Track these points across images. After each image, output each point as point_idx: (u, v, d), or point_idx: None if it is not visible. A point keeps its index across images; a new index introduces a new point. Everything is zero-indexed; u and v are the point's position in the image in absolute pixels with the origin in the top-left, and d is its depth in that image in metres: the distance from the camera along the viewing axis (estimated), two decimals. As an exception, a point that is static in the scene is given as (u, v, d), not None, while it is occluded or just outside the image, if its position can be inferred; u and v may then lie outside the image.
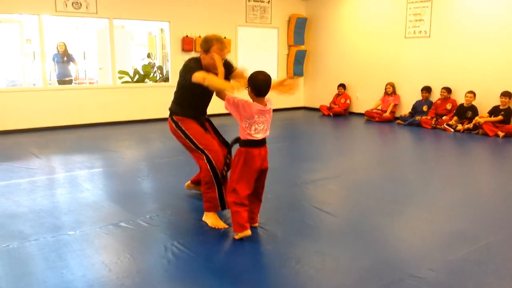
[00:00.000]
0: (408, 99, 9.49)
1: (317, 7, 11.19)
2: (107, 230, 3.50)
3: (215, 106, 4.17)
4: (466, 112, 8.25)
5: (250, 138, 3.25)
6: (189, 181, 4.36)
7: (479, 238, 3.36)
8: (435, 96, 9.02)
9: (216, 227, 3.53)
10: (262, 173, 3.36)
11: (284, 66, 11.36)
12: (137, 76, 10.61)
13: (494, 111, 7.90)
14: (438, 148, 7.29)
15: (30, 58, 11.28)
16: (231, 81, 3.63)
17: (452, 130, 8.20)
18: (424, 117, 8.78)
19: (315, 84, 11.48)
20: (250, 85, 3.24)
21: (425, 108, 9.01)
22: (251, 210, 3.42)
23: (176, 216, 3.84)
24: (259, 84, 3.23)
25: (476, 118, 7.96)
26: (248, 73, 3.37)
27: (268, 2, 10.77)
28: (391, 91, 9.67)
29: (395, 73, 9.73)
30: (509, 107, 7.79)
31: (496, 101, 7.94)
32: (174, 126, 3.80)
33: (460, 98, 8.50)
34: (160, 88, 9.79)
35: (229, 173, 3.43)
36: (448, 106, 8.61)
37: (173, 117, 3.82)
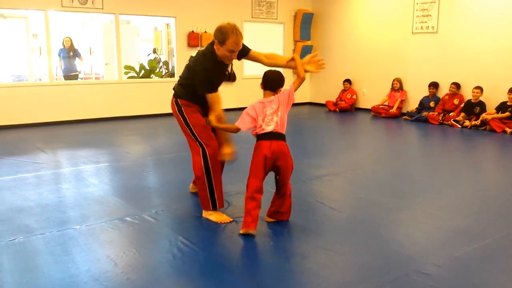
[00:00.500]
0: (415, 95, 9.44)
1: (324, 2, 11.14)
2: (113, 224, 3.51)
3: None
4: (473, 108, 8.20)
5: (260, 131, 3.29)
6: (192, 183, 4.31)
7: (486, 234, 3.33)
8: (442, 92, 8.96)
9: (221, 222, 3.52)
10: (278, 169, 3.35)
11: (290, 62, 11.30)
12: (142, 72, 10.61)
13: (502, 107, 7.84)
14: (445, 144, 7.25)
15: (36, 53, 11.31)
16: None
17: (459, 126, 8.15)
18: (431, 113, 8.73)
19: (321, 79, 11.44)
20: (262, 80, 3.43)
21: (432, 104, 8.95)
22: (278, 205, 3.48)
23: (181, 211, 3.84)
24: (265, 78, 3.40)
25: (483, 114, 7.91)
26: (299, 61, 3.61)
27: (274, -3, 10.73)
28: (398, 87, 9.62)
29: (402, 68, 9.68)
30: (517, 103, 7.73)
31: (504, 97, 7.88)
32: (176, 109, 3.70)
33: (467, 94, 8.44)
34: (166, 84, 9.76)
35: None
36: (456, 102, 8.55)
37: (178, 100, 3.69)
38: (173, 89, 3.78)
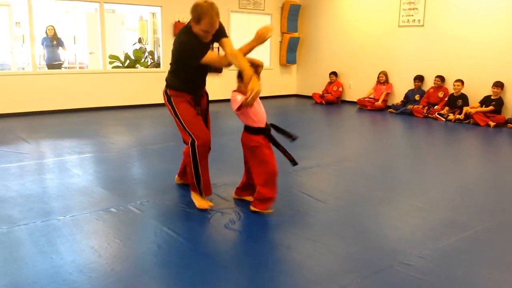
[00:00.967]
0: (400, 88, 9.50)
1: (311, -6, 11.12)
2: (97, 215, 3.48)
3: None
4: (456, 101, 8.28)
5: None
6: (177, 175, 4.29)
7: (469, 226, 3.38)
8: (428, 85, 9.03)
9: (200, 208, 3.57)
10: None
11: (277, 54, 11.30)
12: (128, 61, 10.51)
13: (486, 101, 7.93)
14: (429, 137, 7.32)
15: (20, 41, 11.13)
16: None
17: (444, 119, 8.23)
18: (416, 106, 8.80)
19: (307, 71, 11.45)
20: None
21: (417, 97, 9.03)
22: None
23: (167, 202, 3.82)
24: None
25: (467, 108, 7.99)
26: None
27: (262, -12, 10.68)
28: (383, 80, 9.67)
29: (388, 61, 9.72)
30: (500, 97, 7.82)
31: (488, 90, 7.97)
32: (166, 99, 3.68)
33: (452, 87, 8.52)
34: (151, 74, 9.71)
35: None
36: (440, 95, 8.63)
37: (168, 90, 3.66)
38: (165, 79, 3.72)
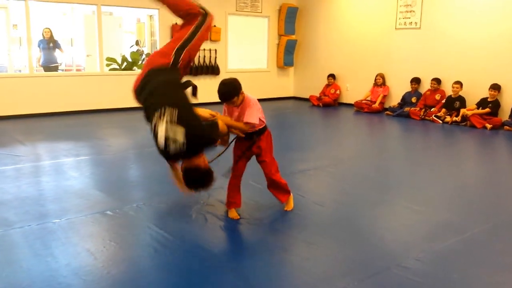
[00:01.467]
0: (397, 90, 9.51)
1: (308, -3, 11.13)
2: (93, 218, 3.46)
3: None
4: (453, 103, 8.29)
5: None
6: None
7: (466, 228, 3.38)
8: (424, 87, 9.04)
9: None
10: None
11: (274, 56, 11.30)
12: (125, 64, 10.49)
13: (482, 103, 7.94)
14: (426, 139, 7.32)
15: (17, 44, 11.10)
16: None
17: (441, 121, 8.24)
18: (413, 108, 8.80)
19: (305, 74, 11.45)
20: None
21: (414, 99, 9.03)
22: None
23: (163, 205, 3.81)
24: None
25: (464, 110, 8.00)
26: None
27: (259, -10, 10.69)
28: (380, 82, 9.68)
29: (385, 64, 9.73)
30: (497, 100, 7.83)
31: (484, 92, 7.98)
32: None
33: (449, 89, 8.52)
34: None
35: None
36: (437, 97, 8.64)
37: None
38: None
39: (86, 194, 4.06)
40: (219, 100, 3.33)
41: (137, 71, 10.34)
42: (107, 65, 9.83)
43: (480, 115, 7.82)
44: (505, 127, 7.61)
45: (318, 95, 10.71)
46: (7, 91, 7.96)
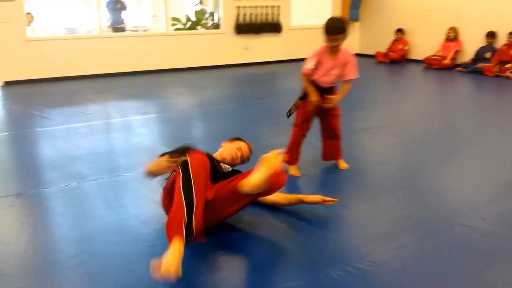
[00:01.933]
0: (470, 45, 8.97)
1: None
2: (160, 172, 3.61)
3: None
4: (533, 58, 7.74)
5: None
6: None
7: (538, 189, 3.22)
8: (500, 42, 8.46)
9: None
10: None
11: (339, 10, 10.94)
12: (189, 23, 10.59)
13: None
14: (499, 97, 6.93)
15: (87, 5, 11.47)
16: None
17: (517, 78, 7.74)
18: (486, 65, 8.30)
19: (371, 29, 11.04)
20: None
21: (488, 54, 8.50)
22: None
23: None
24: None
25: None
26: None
27: None
28: (453, 36, 9.15)
29: (458, 17, 9.16)
30: None
31: None
32: None
33: (528, 43, 7.95)
34: (211, 35, 9.75)
35: None
36: (514, 52, 8.09)
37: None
38: None
39: (154, 149, 4.22)
40: (327, 33, 3.23)
41: (201, 30, 10.44)
42: (172, 24, 9.98)
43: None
44: None
45: (384, 51, 10.34)
46: (78, 52, 8.31)
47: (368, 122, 5.06)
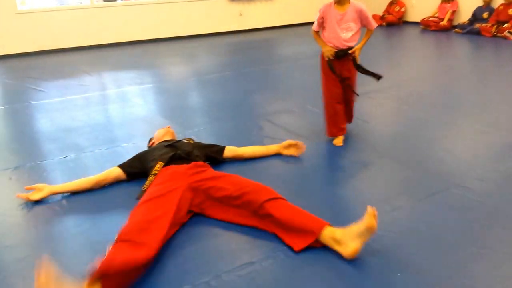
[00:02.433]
0: (467, 6, 8.85)
1: None
2: (157, 142, 3.61)
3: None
4: (531, 17, 7.65)
5: None
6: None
7: (534, 149, 3.23)
8: (498, 2, 8.35)
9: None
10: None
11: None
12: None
13: None
14: (496, 57, 6.87)
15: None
16: None
17: (514, 37, 7.67)
18: (484, 25, 8.21)
19: (367, -8, 10.86)
20: None
21: (485, 15, 8.40)
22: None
23: (222, 129, 3.90)
24: None
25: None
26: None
27: None
28: (449, -3, 9.04)
29: (455, -23, 9.02)
30: None
31: None
32: None
33: (526, 2, 7.83)
34: (204, 3, 9.58)
35: None
36: (511, 12, 7.98)
37: None
38: None
39: (150, 119, 4.23)
40: None
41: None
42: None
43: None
44: None
45: (381, 14, 10.20)
46: (70, 24, 8.20)
47: (365, 87, 5.01)
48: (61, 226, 2.44)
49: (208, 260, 2.08)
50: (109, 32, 8.53)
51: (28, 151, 3.54)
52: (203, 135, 3.72)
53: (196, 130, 3.86)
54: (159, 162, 2.62)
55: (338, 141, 3.44)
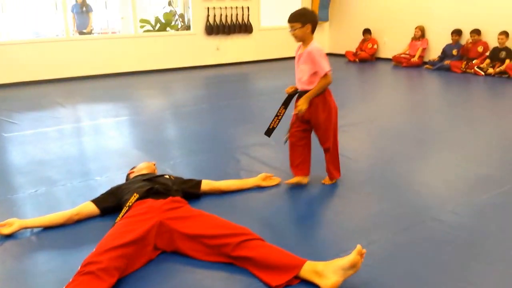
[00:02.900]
0: (437, 43, 9.16)
1: None
2: (132, 175, 3.56)
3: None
4: (499, 53, 7.93)
5: None
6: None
7: (505, 182, 3.30)
8: (466, 39, 8.67)
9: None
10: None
11: (309, 11, 11.02)
12: (158, 25, 10.51)
13: (528, 53, 7.58)
14: (467, 92, 7.09)
15: (52, 9, 11.27)
16: None
17: (483, 73, 7.94)
18: (453, 61, 8.49)
19: (340, 29, 11.17)
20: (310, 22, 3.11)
21: (455, 51, 8.70)
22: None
23: (198, 162, 3.87)
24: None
25: (507, 61, 7.66)
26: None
27: None
28: (419, 35, 9.34)
29: (424, 16, 9.35)
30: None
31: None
32: None
33: (491, 40, 8.15)
34: (181, 37, 9.69)
35: None
36: (480, 49, 8.28)
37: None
38: None
39: (126, 152, 4.18)
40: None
41: (171, 32, 10.35)
42: (141, 26, 9.89)
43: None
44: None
45: (354, 51, 10.46)
46: (45, 56, 8.14)
47: (340, 120, 5.06)
48: (30, 263, 2.36)
49: (183, 297, 2.03)
50: (84, 64, 8.49)
51: (-3, 185, 3.44)
52: (179, 168, 3.69)
53: (172, 163, 3.83)
54: (135, 195, 2.58)
55: (300, 180, 3.28)
